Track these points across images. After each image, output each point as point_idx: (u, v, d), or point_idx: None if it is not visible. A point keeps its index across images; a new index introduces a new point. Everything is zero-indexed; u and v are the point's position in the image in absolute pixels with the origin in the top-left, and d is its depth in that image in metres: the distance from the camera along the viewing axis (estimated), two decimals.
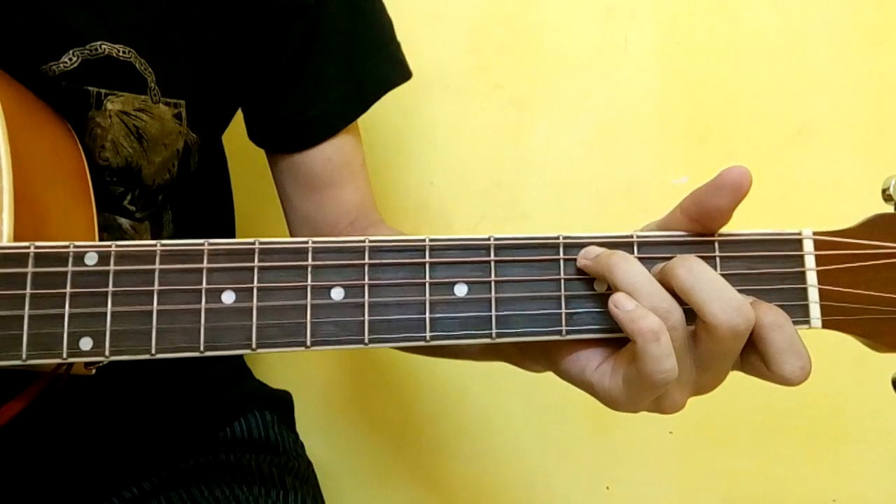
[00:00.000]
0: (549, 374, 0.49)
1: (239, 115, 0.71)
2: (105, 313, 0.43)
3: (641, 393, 0.43)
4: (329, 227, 0.70)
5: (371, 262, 0.45)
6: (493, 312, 0.45)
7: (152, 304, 0.44)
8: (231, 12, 0.61)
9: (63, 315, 0.43)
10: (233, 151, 0.77)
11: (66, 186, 0.54)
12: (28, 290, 0.43)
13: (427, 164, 0.95)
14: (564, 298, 0.45)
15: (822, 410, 0.94)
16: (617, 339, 0.46)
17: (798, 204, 0.92)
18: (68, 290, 0.43)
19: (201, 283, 0.44)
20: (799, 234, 0.46)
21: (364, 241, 0.45)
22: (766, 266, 0.46)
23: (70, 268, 0.43)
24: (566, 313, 0.45)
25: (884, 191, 0.46)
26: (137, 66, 0.59)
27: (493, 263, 0.45)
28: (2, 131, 0.47)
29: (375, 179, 0.75)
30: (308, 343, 0.44)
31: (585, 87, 0.94)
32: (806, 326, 0.46)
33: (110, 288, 0.43)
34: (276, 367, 0.95)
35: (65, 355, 0.43)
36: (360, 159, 0.72)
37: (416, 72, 0.73)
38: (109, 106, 0.59)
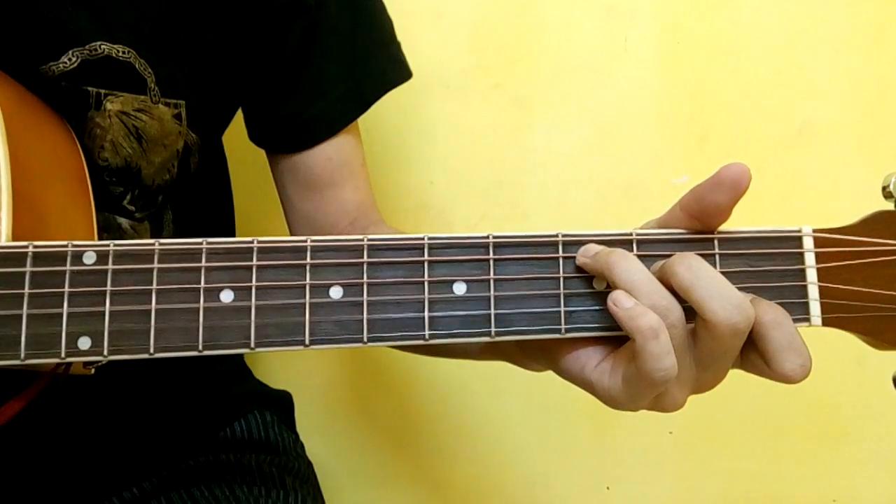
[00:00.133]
0: (549, 374, 0.49)
1: (239, 115, 0.71)
2: (103, 312, 0.43)
3: (641, 391, 0.43)
4: (329, 226, 0.70)
5: (370, 260, 0.45)
6: (493, 311, 0.45)
7: (151, 303, 0.43)
8: (231, 12, 0.61)
9: (61, 314, 0.43)
10: (233, 151, 0.77)
11: (66, 186, 0.54)
12: (26, 290, 0.43)
13: (427, 164, 0.95)
14: (563, 296, 0.45)
15: (822, 410, 0.94)
16: (616, 338, 0.45)
17: (798, 203, 0.92)
18: (67, 289, 0.43)
19: (200, 283, 0.44)
20: (799, 231, 0.46)
21: (363, 240, 0.45)
22: (766, 263, 0.46)
23: (68, 267, 0.43)
24: (565, 311, 0.45)
25: (884, 188, 0.46)
26: (137, 66, 0.59)
27: (491, 262, 0.45)
28: (1, 131, 0.47)
29: (375, 179, 0.75)
30: (307, 342, 0.44)
31: (585, 86, 0.94)
32: (806, 324, 0.46)
33: (109, 287, 0.43)
34: (276, 367, 0.95)
35: (63, 355, 0.43)
36: (361, 159, 0.72)
37: (416, 72, 0.73)
38: (109, 106, 0.59)
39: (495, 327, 0.45)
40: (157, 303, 0.44)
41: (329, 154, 0.69)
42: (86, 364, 0.46)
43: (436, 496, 0.99)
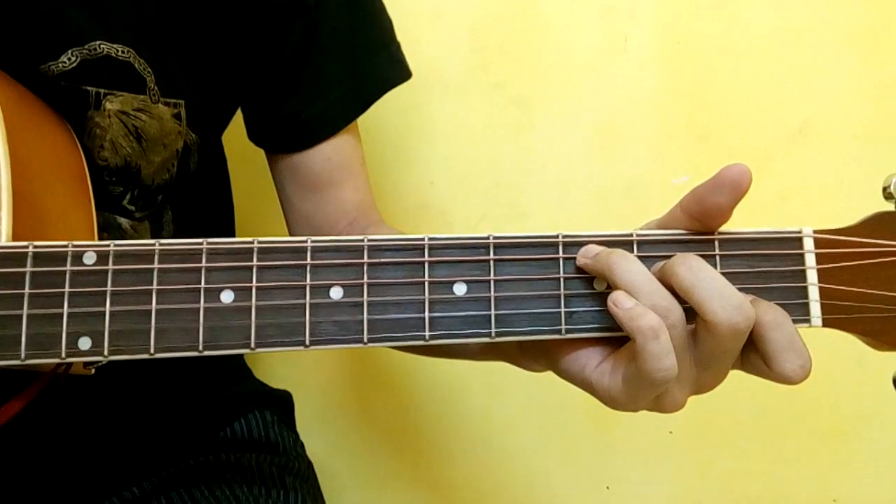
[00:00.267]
0: (550, 374, 0.49)
1: (239, 115, 0.71)
2: (104, 313, 0.43)
3: (641, 391, 0.43)
4: (329, 226, 0.70)
5: (370, 261, 0.45)
6: (493, 311, 0.45)
7: (151, 303, 0.43)
8: (231, 12, 0.61)
9: (62, 315, 0.43)
10: (233, 151, 0.77)
11: (66, 186, 0.54)
12: (27, 290, 0.43)
13: (427, 164, 0.95)
14: (564, 297, 0.45)
15: (822, 410, 0.94)
16: (617, 338, 0.45)
17: (798, 203, 0.92)
18: (67, 289, 0.43)
19: (200, 283, 0.44)
20: (799, 232, 0.46)
21: (363, 241, 0.45)
22: (767, 264, 0.46)
23: (69, 267, 0.43)
24: (566, 312, 0.45)
25: (884, 189, 0.46)
26: (136, 65, 0.59)
27: (492, 262, 0.45)
28: (1, 131, 0.47)
29: (375, 179, 0.75)
30: (307, 342, 0.44)
31: (585, 86, 0.94)
32: (806, 325, 0.46)
33: (109, 287, 0.43)
34: (277, 366, 0.95)
35: (63, 355, 0.43)
36: (360, 159, 0.72)
37: (416, 71, 0.73)
38: (108, 106, 0.59)
39: (495, 328, 0.45)
40: (157, 303, 0.44)
41: (328, 154, 0.69)
42: (86, 364, 0.46)
43: (436, 496, 0.99)
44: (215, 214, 0.75)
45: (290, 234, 0.72)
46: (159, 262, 0.44)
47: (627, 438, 0.96)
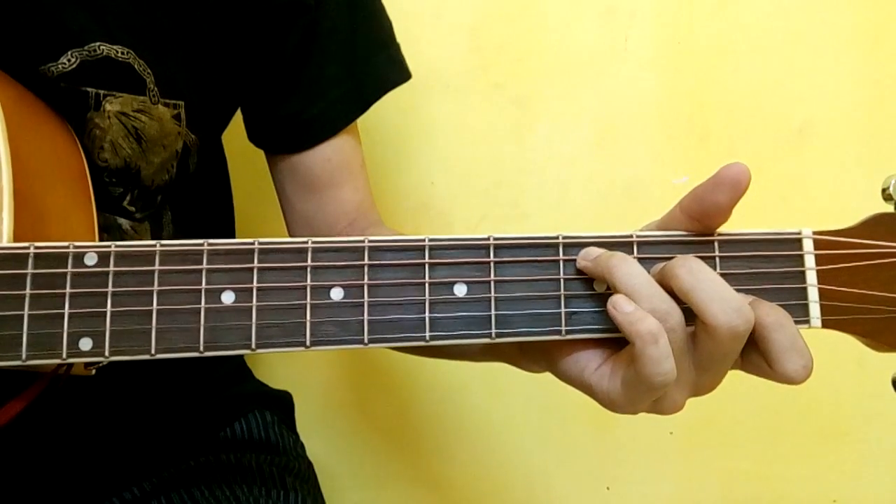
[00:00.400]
0: (550, 374, 0.49)
1: (239, 116, 0.71)
2: (105, 313, 0.43)
3: (640, 395, 0.43)
4: (328, 227, 0.70)
5: (371, 262, 0.45)
6: (493, 312, 0.45)
7: (152, 304, 0.44)
8: (230, 13, 0.61)
9: (63, 315, 0.43)
10: (233, 151, 0.77)
11: (66, 187, 0.54)
12: (28, 291, 0.43)
13: (427, 164, 0.95)
14: (564, 298, 0.45)
15: (822, 410, 0.94)
16: (616, 341, 0.46)
17: (798, 204, 0.92)
18: (68, 290, 0.43)
19: (201, 284, 0.44)
20: (798, 233, 0.46)
21: (364, 241, 0.45)
22: (766, 266, 0.46)
23: (70, 268, 0.43)
24: (566, 313, 0.45)
25: (884, 190, 0.46)
26: (136, 67, 0.59)
27: (492, 263, 0.45)
28: (2, 131, 0.47)
29: (375, 179, 0.75)
30: (308, 343, 0.44)
31: (585, 86, 0.94)
32: (806, 326, 0.46)
33: (110, 288, 0.43)
34: (277, 367, 0.95)
35: (65, 356, 0.43)
36: (360, 160, 0.72)
37: (416, 72, 0.73)
38: (108, 107, 0.59)
39: (496, 329, 0.45)
40: (158, 304, 0.44)
41: (328, 154, 0.69)
42: (87, 365, 0.47)
43: (436, 496, 0.99)
44: (215, 215, 0.75)
45: (290, 235, 0.73)
46: (160, 263, 0.44)
47: (627, 439, 0.96)
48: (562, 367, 0.47)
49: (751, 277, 0.46)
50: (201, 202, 0.71)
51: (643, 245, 0.46)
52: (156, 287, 0.44)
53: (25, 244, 0.44)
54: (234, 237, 0.70)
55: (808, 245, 0.46)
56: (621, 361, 0.45)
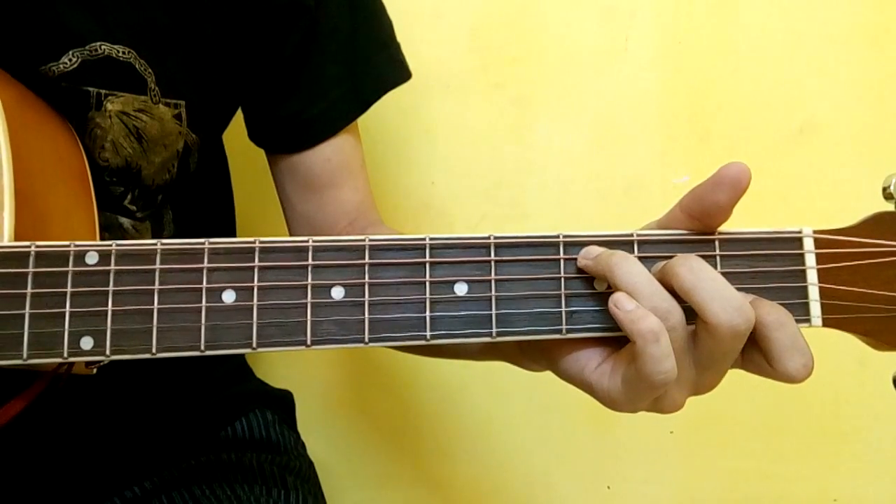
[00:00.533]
0: (550, 374, 0.49)
1: (239, 115, 0.71)
2: (106, 312, 0.43)
3: (640, 393, 0.43)
4: (328, 227, 0.70)
5: (371, 261, 0.45)
6: (494, 311, 0.45)
7: (153, 303, 0.44)
8: (231, 13, 0.61)
9: (64, 314, 0.43)
10: (233, 151, 0.77)
11: (67, 186, 0.54)
12: (29, 290, 0.43)
13: (427, 164, 0.95)
14: (564, 297, 0.45)
15: (822, 410, 0.94)
16: (616, 340, 0.46)
17: (798, 203, 0.92)
18: (69, 289, 0.43)
19: (202, 283, 0.44)
20: (799, 232, 0.46)
21: (364, 241, 0.45)
22: (767, 264, 0.46)
23: (71, 267, 0.43)
24: (566, 312, 0.45)
25: (884, 189, 0.46)
26: (137, 66, 0.59)
27: (493, 262, 0.45)
28: (3, 131, 0.47)
29: (375, 179, 0.75)
30: (308, 342, 0.44)
31: (585, 87, 0.94)
32: (806, 325, 0.46)
33: (111, 287, 0.44)
34: (278, 366, 0.95)
35: (66, 355, 0.43)
36: (360, 159, 0.72)
37: (416, 72, 0.73)
38: (109, 106, 0.59)
39: (496, 328, 0.45)
40: (159, 303, 0.44)
41: (328, 154, 0.69)
42: (88, 364, 0.47)
43: (436, 496, 0.99)
44: (216, 214, 0.76)
45: (291, 234, 0.73)
46: (161, 262, 0.44)
47: (628, 438, 0.96)
48: (562, 366, 0.47)
49: (751, 276, 0.46)
50: (202, 201, 0.71)
51: (644, 244, 0.46)
52: (157, 286, 0.44)
53: (26, 243, 0.44)
54: (234, 236, 0.70)
55: (808, 244, 0.46)
56: (622, 360, 0.45)
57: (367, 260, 0.45)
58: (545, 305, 0.45)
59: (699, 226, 0.46)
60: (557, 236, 0.46)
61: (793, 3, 0.93)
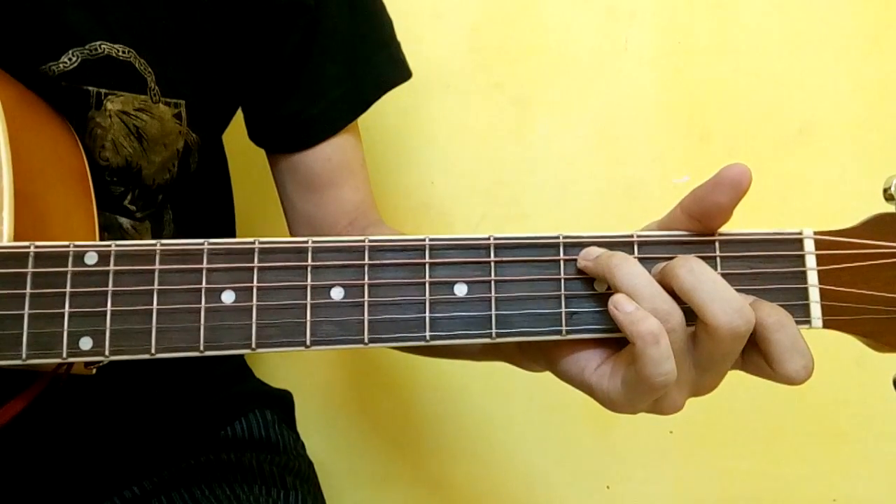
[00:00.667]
0: (550, 374, 0.49)
1: (239, 115, 0.71)
2: (105, 313, 0.43)
3: (640, 395, 0.43)
4: (329, 226, 0.70)
5: (371, 261, 0.45)
6: (493, 312, 0.45)
7: (152, 303, 0.44)
8: (231, 12, 0.61)
9: (63, 315, 0.43)
10: (233, 151, 0.77)
11: (67, 186, 0.54)
12: (28, 290, 0.43)
13: (427, 164, 0.95)
14: (564, 298, 0.45)
15: (822, 410, 0.94)
16: (616, 341, 0.45)
17: (798, 204, 0.92)
18: (68, 289, 0.43)
19: (201, 283, 0.44)
20: (799, 233, 0.46)
21: (364, 241, 0.45)
22: (767, 266, 0.46)
23: (70, 267, 0.43)
24: (566, 313, 0.45)
25: (885, 190, 0.46)
26: (137, 66, 0.59)
27: (493, 263, 0.45)
28: (2, 130, 0.47)
29: (375, 179, 0.75)
30: (308, 343, 0.44)
31: (585, 86, 0.94)
32: (807, 326, 0.46)
33: (110, 287, 0.43)
34: (277, 366, 0.95)
35: (65, 355, 0.43)
36: (360, 159, 0.72)
37: (416, 72, 0.73)
38: (109, 106, 0.59)
39: (496, 328, 0.45)
40: (158, 303, 0.44)
41: (329, 154, 0.69)
42: (87, 364, 0.46)
43: (436, 496, 0.99)
44: (216, 214, 0.76)
45: (291, 234, 0.73)
46: (160, 263, 0.44)
47: (627, 438, 0.96)
48: (562, 367, 0.47)
49: (752, 278, 0.46)
50: (202, 201, 0.71)
51: (644, 245, 0.46)
52: (156, 286, 0.44)
53: (26, 243, 0.44)
54: (234, 236, 0.70)
55: (809, 245, 0.46)
56: (621, 361, 0.45)
57: (366, 260, 0.45)
58: (545, 306, 0.45)
59: (699, 227, 0.46)
60: (557, 237, 0.46)
61: (793, 4, 0.93)
